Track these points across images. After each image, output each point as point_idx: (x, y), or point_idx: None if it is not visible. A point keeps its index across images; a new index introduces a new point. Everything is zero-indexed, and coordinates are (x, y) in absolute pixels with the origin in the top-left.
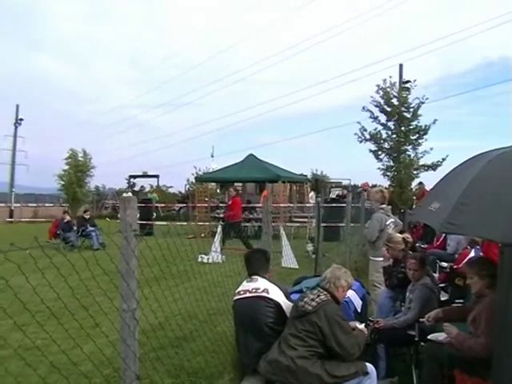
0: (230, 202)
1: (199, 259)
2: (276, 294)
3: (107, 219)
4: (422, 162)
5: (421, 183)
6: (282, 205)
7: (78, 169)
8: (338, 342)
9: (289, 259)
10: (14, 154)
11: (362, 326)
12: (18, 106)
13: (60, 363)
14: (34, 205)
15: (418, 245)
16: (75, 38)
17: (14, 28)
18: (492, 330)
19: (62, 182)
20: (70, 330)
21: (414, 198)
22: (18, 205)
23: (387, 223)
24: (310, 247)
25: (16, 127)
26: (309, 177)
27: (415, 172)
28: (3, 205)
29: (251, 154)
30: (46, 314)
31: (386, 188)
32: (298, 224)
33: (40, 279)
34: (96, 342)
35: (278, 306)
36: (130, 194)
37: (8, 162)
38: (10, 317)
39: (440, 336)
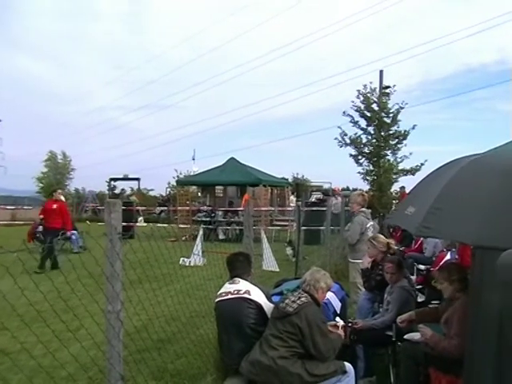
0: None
1: (181, 262)
2: (257, 296)
3: (87, 222)
4: (401, 166)
5: (403, 187)
6: (263, 208)
7: (57, 171)
8: (315, 345)
9: (269, 262)
10: None
11: (341, 323)
12: None
13: (44, 366)
14: (12, 207)
15: (396, 248)
16: (55, 37)
17: None
18: (464, 331)
19: (41, 185)
20: (54, 333)
21: (395, 201)
22: None
23: (367, 226)
24: (289, 251)
25: None
26: (290, 180)
27: (395, 176)
28: None
29: (232, 158)
30: (30, 318)
31: (366, 192)
32: (279, 227)
33: (25, 282)
34: (81, 344)
35: (259, 307)
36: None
37: None
38: None
39: (416, 336)
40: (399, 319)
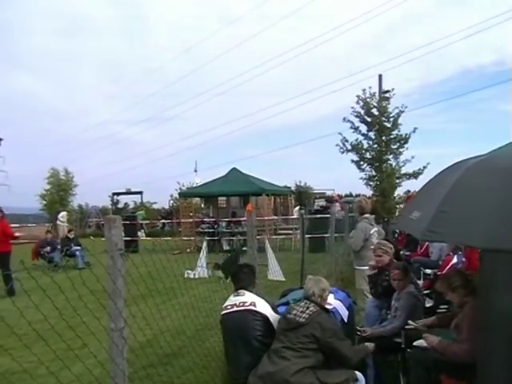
0: None
1: (185, 275)
2: (263, 307)
3: (91, 238)
4: (403, 170)
5: (408, 191)
6: (266, 218)
7: (60, 188)
8: (335, 349)
9: (275, 272)
10: None
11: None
12: None
13: None
14: (17, 225)
15: (402, 253)
16: (54, 54)
17: None
18: (474, 336)
19: (44, 202)
20: (57, 352)
21: (399, 206)
22: None
23: (371, 232)
24: (219, 274)
25: None
26: (293, 189)
27: (397, 181)
28: None
29: (234, 168)
30: (33, 337)
31: (369, 197)
32: (283, 236)
33: (26, 301)
34: (84, 363)
35: (265, 318)
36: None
37: None
38: None
39: (425, 342)
40: (421, 322)
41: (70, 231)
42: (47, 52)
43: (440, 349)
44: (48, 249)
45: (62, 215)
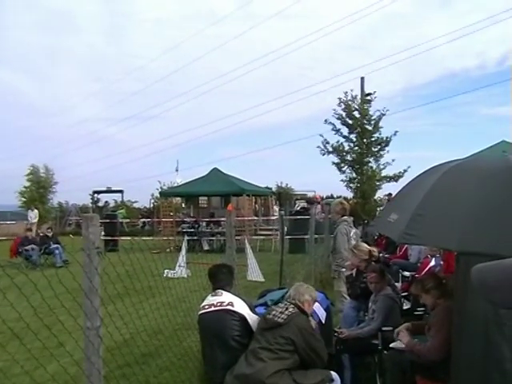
0: None
1: (165, 274)
2: (241, 307)
3: (71, 236)
4: (384, 173)
5: (389, 194)
6: (246, 218)
7: (39, 185)
8: (313, 350)
9: (254, 272)
10: None
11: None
12: None
13: None
14: None
15: (381, 255)
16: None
17: None
18: (440, 334)
19: (24, 199)
20: (32, 351)
21: (379, 208)
22: None
23: (351, 234)
24: None
25: None
26: (274, 189)
27: (378, 183)
28: None
29: (215, 168)
30: (8, 335)
31: (349, 199)
32: (264, 237)
33: (1, 299)
34: (60, 362)
35: (243, 318)
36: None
37: None
38: None
39: (401, 344)
40: (397, 332)
41: (48, 229)
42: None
43: (408, 347)
44: (31, 246)
45: (35, 213)
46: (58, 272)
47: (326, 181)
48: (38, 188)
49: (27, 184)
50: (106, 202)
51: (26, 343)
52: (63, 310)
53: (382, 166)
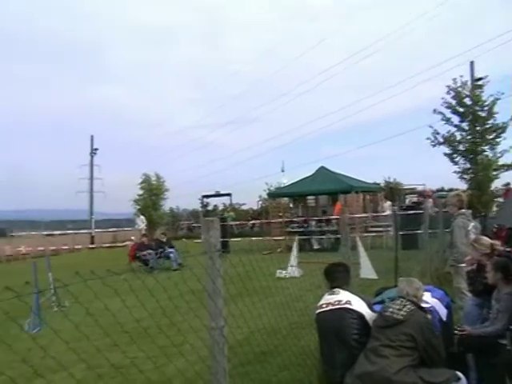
0: None
1: (277, 274)
2: (359, 305)
3: (184, 240)
4: (501, 161)
5: (507, 183)
6: (356, 215)
7: (152, 192)
8: (433, 347)
9: (367, 270)
10: (92, 182)
11: None
12: (92, 137)
13: (153, 380)
14: (113, 229)
15: (502, 249)
16: (139, 65)
17: (82, 60)
18: None
19: (138, 207)
20: (157, 348)
21: (496, 199)
22: (98, 231)
23: (469, 228)
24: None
25: (92, 156)
26: (382, 185)
27: (495, 173)
28: (85, 231)
29: (322, 166)
30: (138, 333)
31: (463, 191)
32: (374, 234)
33: (130, 301)
34: (186, 359)
35: (361, 317)
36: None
37: (87, 190)
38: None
39: None
40: None
41: (162, 234)
42: (133, 64)
43: None
44: (148, 251)
45: (142, 219)
46: (173, 275)
47: (435, 174)
48: (151, 195)
49: (140, 192)
50: (215, 205)
51: (156, 340)
52: (187, 309)
53: (498, 155)
